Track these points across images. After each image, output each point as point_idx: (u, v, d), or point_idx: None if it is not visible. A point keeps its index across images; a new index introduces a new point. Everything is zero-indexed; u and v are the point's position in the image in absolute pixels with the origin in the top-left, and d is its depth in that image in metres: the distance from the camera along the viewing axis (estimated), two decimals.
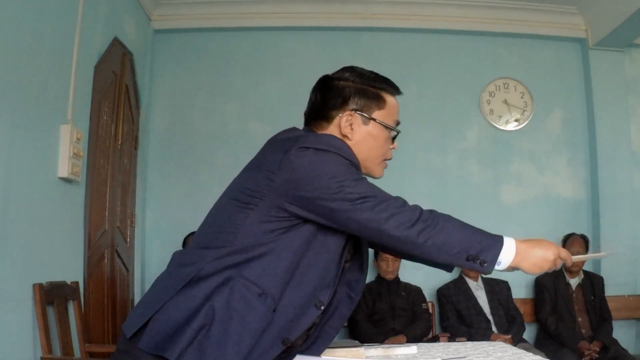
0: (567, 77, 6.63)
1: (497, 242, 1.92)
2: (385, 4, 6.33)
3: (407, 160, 6.14)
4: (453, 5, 6.37)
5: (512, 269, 1.96)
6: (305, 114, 2.18)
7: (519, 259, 1.94)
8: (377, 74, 2.16)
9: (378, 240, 1.94)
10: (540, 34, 6.54)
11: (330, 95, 2.11)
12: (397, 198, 1.91)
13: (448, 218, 1.93)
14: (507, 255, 1.92)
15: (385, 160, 2.18)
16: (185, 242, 5.53)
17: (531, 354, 2.29)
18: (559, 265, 2.03)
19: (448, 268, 2.33)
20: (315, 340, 2.07)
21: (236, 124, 6.26)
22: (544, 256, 1.98)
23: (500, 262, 1.92)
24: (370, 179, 2.03)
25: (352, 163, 1.96)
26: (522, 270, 1.98)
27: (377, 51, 6.37)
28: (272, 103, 6.24)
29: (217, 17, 6.27)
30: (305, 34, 6.44)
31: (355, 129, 2.08)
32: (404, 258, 2.41)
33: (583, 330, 5.60)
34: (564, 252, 2.03)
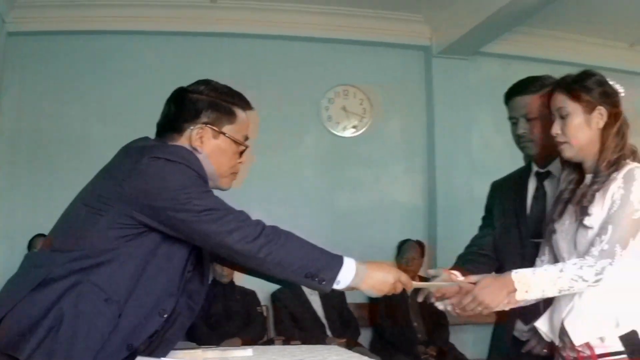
0: (409, 84, 6.89)
1: (336, 262, 2.11)
2: (229, 9, 6.41)
3: (242, 164, 6.22)
4: (296, 12, 6.49)
5: (351, 288, 2.16)
6: (157, 124, 2.30)
7: (358, 280, 2.13)
8: (230, 89, 2.32)
9: (221, 253, 2.12)
10: (385, 41, 6.75)
11: (184, 107, 2.24)
12: (241, 212, 2.09)
13: (290, 235, 2.11)
14: (346, 275, 2.11)
15: (233, 173, 2.34)
16: (30, 245, 5.55)
17: (366, 357, 2.43)
18: (399, 289, 2.23)
19: (288, 284, 2.50)
20: (157, 347, 2.16)
21: (81, 128, 6.29)
22: (383, 279, 2.18)
23: (339, 281, 2.10)
24: (216, 192, 2.19)
25: (200, 175, 2.11)
26: (361, 291, 2.19)
27: (219, 56, 6.44)
28: (115, 107, 6.28)
29: (65, 19, 6.19)
30: (149, 38, 6.49)
31: (205, 142, 2.22)
32: (246, 273, 2.57)
33: (419, 335, 5.89)
34: (404, 277, 2.24)
